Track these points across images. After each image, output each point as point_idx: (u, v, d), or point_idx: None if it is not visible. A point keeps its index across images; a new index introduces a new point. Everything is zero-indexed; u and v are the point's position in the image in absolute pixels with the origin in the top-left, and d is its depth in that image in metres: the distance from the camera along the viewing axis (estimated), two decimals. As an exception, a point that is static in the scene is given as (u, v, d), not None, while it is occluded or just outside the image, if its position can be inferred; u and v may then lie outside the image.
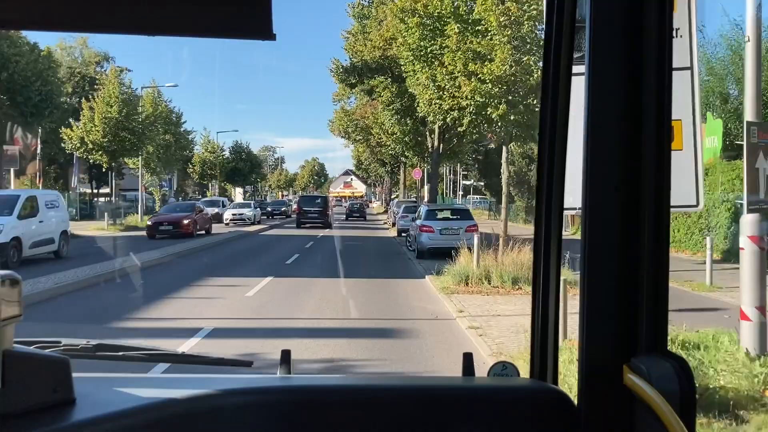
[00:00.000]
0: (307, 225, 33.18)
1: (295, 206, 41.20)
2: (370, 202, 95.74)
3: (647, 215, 1.27)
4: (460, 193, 70.34)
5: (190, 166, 55.45)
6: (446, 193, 78.68)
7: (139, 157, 37.54)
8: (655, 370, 1.21)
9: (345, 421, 1.44)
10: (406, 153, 35.26)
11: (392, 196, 74.71)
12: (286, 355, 1.65)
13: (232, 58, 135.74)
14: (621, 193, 1.30)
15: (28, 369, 1.22)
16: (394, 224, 35.35)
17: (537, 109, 11.42)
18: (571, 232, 19.46)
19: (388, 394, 1.50)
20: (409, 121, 28.19)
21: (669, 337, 1.35)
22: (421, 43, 18.96)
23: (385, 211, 67.74)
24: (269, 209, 46.80)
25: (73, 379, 1.30)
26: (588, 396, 1.35)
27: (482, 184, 63.91)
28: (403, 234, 28.90)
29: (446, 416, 1.45)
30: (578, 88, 1.41)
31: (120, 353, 1.64)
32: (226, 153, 61.07)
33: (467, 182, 73.29)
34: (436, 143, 27.82)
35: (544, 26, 1.66)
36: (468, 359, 1.66)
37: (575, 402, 1.41)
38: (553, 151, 1.55)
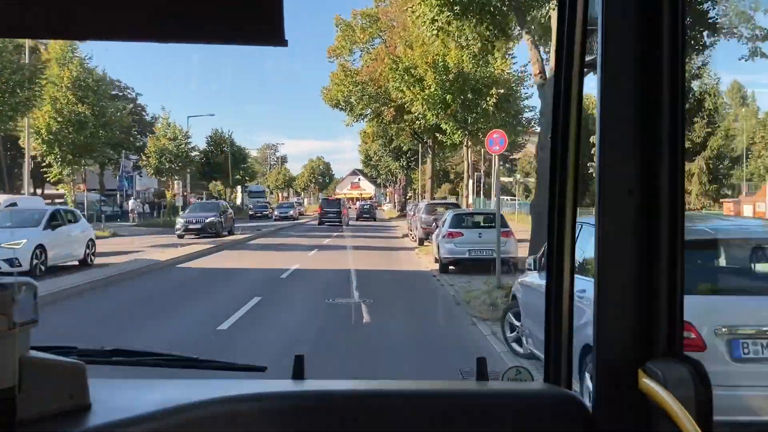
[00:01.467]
0: (327, 223, 36.71)
1: (311, 208, 46.93)
2: (380, 205, 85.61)
3: (662, 218, 1.28)
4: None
5: (143, 157, 41.70)
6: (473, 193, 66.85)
7: (26, 134, 24.08)
8: (671, 374, 1.21)
9: (359, 426, 1.44)
10: (442, 124, 21.27)
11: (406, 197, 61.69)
12: (299, 359, 1.64)
13: (242, 61, 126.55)
14: (635, 196, 1.30)
15: (45, 375, 1.24)
16: (421, 242, 21.67)
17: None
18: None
19: (402, 399, 1.50)
20: (477, 30, 12.96)
21: None
22: None
23: (401, 216, 54.22)
24: (183, 221, 24.80)
25: (89, 384, 1.32)
26: (603, 401, 1.35)
27: (526, 181, 50.51)
28: (452, 268, 14.98)
29: (460, 421, 1.44)
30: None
31: (135, 358, 1.66)
32: (195, 141, 47.17)
33: (503, 179, 59.99)
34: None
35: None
36: (482, 364, 1.64)
37: (590, 407, 1.40)
38: (566, 155, 1.54)
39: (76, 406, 1.27)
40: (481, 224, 15.80)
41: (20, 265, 12.58)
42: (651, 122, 1.27)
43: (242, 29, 1.06)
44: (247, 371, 1.69)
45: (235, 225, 28.14)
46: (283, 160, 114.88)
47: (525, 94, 25.57)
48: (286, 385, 1.55)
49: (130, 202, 44.13)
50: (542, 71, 12.36)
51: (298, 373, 1.61)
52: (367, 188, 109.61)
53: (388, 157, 56.20)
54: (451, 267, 14.97)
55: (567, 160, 1.53)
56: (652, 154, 1.27)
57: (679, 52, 1.24)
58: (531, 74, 19.18)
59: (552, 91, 1.63)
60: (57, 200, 29.09)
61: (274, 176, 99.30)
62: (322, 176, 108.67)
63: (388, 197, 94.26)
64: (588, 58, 1.46)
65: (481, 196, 66.63)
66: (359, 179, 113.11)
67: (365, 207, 51.33)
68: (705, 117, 33.35)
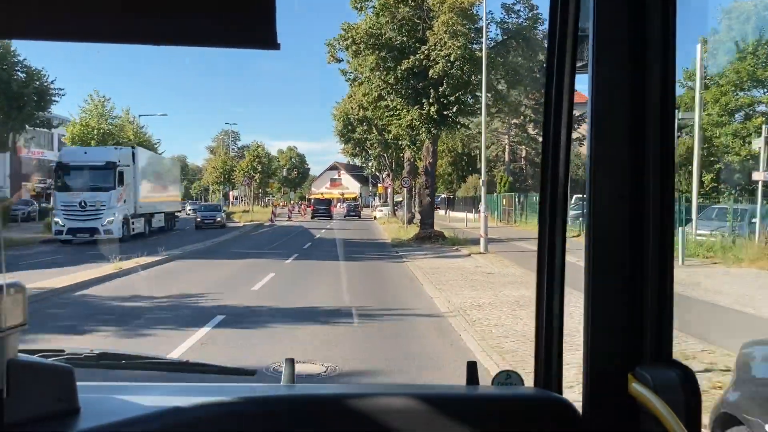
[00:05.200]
0: (318, 218, 47.10)
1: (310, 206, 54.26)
2: (366, 206, 66.26)
3: (652, 224, 1.28)
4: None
5: None
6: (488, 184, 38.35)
7: None
8: (660, 379, 1.21)
9: (349, 430, 1.44)
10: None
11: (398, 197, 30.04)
12: (289, 363, 1.65)
13: (229, 62, 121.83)
14: (625, 202, 1.30)
15: (33, 378, 1.22)
16: None
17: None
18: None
19: (392, 402, 1.49)
20: None
21: None
22: None
23: (423, 239, 22.66)
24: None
25: (77, 387, 1.30)
26: (593, 405, 1.34)
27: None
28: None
29: (451, 425, 1.43)
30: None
31: (123, 362, 1.66)
32: None
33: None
34: None
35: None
36: (472, 368, 1.63)
37: (580, 411, 1.39)
38: (557, 159, 1.54)
39: (65, 409, 1.26)
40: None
41: None
42: (641, 130, 1.27)
43: (235, 33, 1.05)
44: (236, 375, 1.69)
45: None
46: (245, 150, 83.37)
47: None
48: (276, 389, 1.54)
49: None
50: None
51: (288, 377, 1.61)
52: (351, 186, 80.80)
53: (397, 97, 23.47)
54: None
55: (558, 165, 1.53)
56: (643, 160, 1.28)
57: (669, 59, 1.25)
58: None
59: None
60: None
61: (212, 164, 67.18)
62: (294, 170, 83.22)
63: (377, 196, 63.05)
64: (579, 64, 1.44)
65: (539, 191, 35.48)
66: (340, 174, 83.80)
67: (351, 206, 58.41)
68: None
